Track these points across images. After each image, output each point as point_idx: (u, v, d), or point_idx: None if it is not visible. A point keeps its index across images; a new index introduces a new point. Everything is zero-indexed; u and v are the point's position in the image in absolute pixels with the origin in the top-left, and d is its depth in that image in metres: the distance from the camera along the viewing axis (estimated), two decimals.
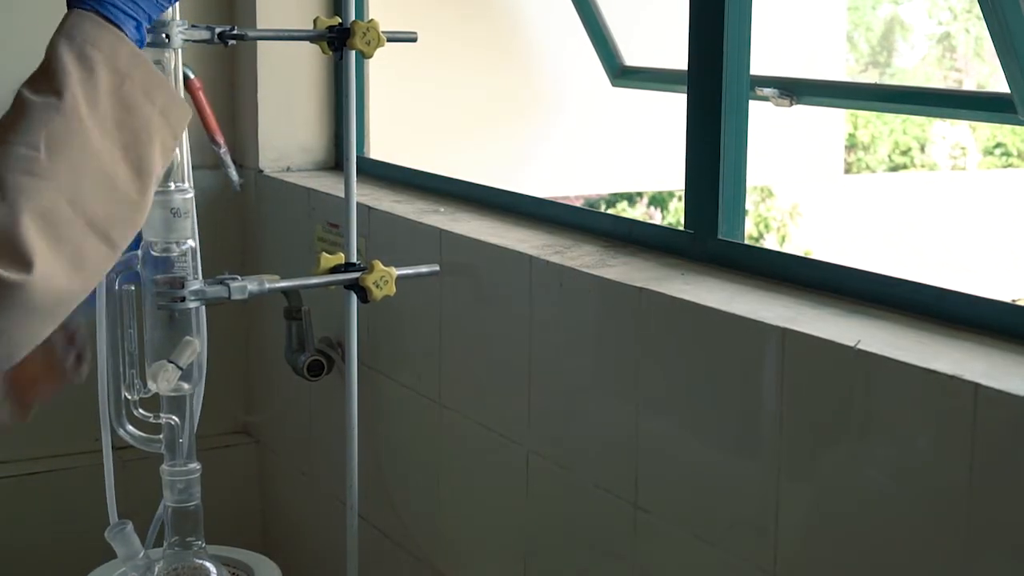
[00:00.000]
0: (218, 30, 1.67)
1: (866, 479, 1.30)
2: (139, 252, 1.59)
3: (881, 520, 1.30)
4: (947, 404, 1.22)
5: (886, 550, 1.29)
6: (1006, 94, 1.79)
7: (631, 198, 9.63)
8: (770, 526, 1.42)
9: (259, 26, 2.53)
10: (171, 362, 1.57)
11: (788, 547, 1.41)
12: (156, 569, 1.62)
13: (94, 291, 1.47)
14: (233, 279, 1.68)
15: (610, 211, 3.44)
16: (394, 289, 1.84)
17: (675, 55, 1.89)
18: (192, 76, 2.46)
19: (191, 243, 1.61)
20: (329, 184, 2.43)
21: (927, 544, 1.25)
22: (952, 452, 1.22)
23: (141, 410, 1.61)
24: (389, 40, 1.81)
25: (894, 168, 11.66)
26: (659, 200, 9.77)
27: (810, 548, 1.38)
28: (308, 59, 2.60)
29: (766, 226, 9.98)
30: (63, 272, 1.12)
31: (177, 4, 1.56)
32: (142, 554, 1.60)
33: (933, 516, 1.24)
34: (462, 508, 2.01)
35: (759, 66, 1.74)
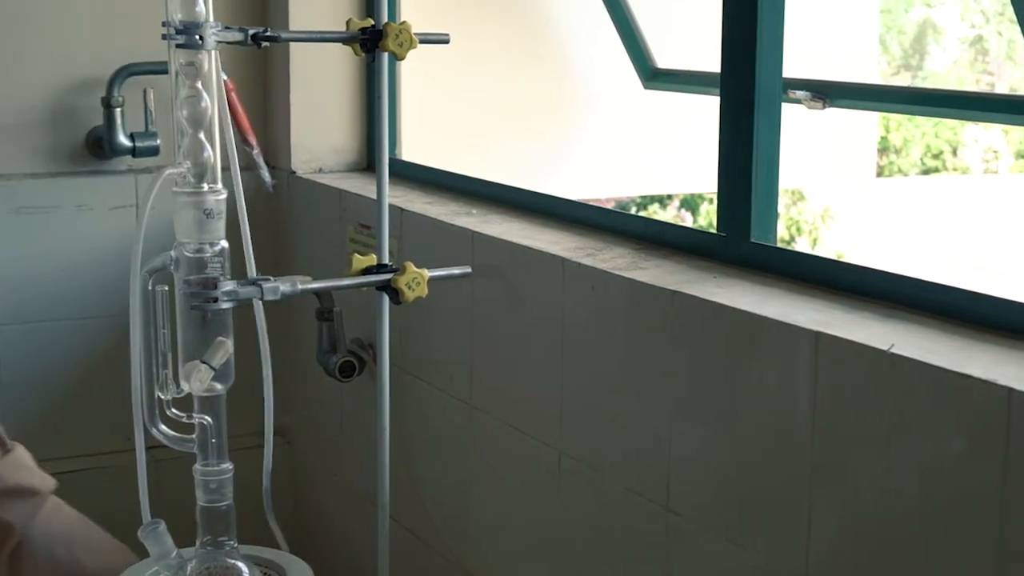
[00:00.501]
0: (251, 32, 1.68)
1: (899, 484, 1.30)
2: (172, 253, 1.60)
3: (913, 525, 1.29)
4: (981, 409, 1.21)
5: (918, 555, 1.29)
6: None
7: (662, 201, 9.61)
8: (802, 530, 1.42)
9: (292, 28, 2.54)
10: (204, 362, 1.58)
11: (820, 551, 1.40)
12: (188, 568, 1.62)
13: None
14: (265, 280, 1.68)
15: (641, 214, 3.44)
16: (426, 291, 1.85)
17: (707, 57, 1.89)
18: (225, 77, 2.47)
19: (224, 243, 1.61)
20: (361, 185, 2.44)
21: (960, 549, 1.24)
22: (986, 457, 1.21)
23: (174, 410, 1.62)
24: (421, 42, 1.81)
25: (926, 171, 11.61)
26: (690, 203, 9.76)
27: (842, 553, 1.38)
28: (340, 61, 2.61)
29: (797, 229, 9.95)
30: None
31: (211, 5, 1.58)
32: (175, 553, 1.61)
33: (966, 521, 1.24)
34: (493, 510, 2.01)
35: (791, 69, 1.74)
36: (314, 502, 2.67)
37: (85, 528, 1.93)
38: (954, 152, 11.80)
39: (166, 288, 1.61)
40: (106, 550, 1.91)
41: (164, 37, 1.57)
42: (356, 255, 1.86)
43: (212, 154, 1.58)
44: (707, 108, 1.97)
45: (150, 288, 1.59)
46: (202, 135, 1.57)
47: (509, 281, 1.91)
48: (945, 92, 2.19)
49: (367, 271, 1.85)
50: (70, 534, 1.89)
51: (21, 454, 1.91)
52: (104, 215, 2.53)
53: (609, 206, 2.80)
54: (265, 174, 2.58)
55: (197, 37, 1.56)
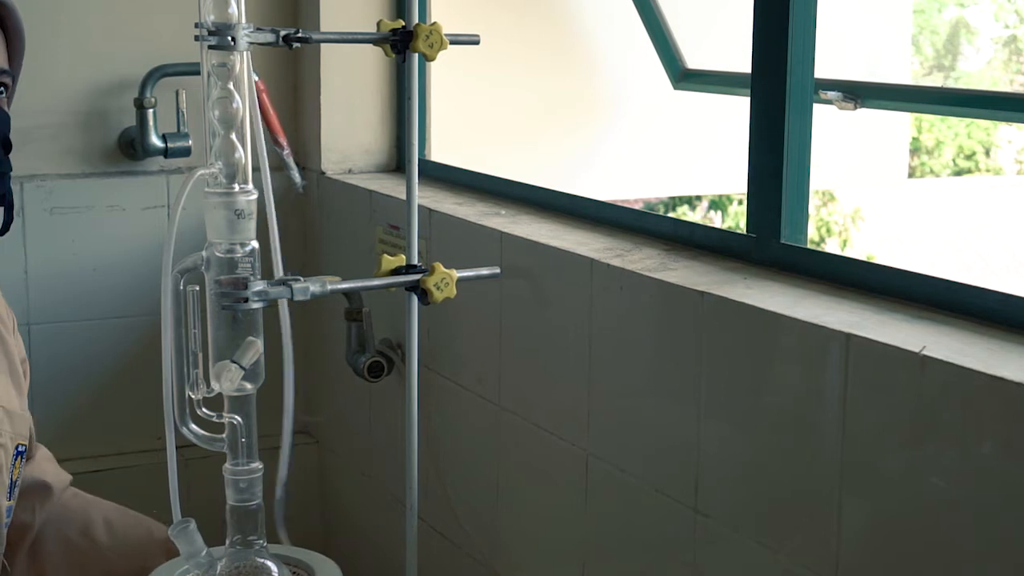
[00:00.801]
0: (283, 33, 1.68)
1: (930, 486, 1.29)
2: (203, 253, 1.61)
3: (945, 528, 1.28)
4: (1014, 411, 1.20)
5: (950, 558, 1.28)
6: None
7: (690, 202, 9.59)
8: (832, 532, 1.41)
9: (323, 29, 2.54)
10: (234, 362, 1.59)
11: (850, 553, 1.40)
12: (218, 567, 1.63)
13: None
14: (295, 280, 1.69)
15: (670, 215, 3.43)
16: (455, 291, 1.85)
17: (738, 58, 1.88)
18: (256, 78, 2.48)
19: (255, 244, 1.62)
20: (390, 186, 2.44)
21: (992, 553, 1.24)
22: (1019, 459, 1.20)
23: (205, 409, 1.62)
24: (452, 43, 1.81)
25: (958, 172, 11.54)
26: (718, 204, 9.74)
27: (872, 555, 1.37)
28: (371, 61, 2.61)
29: (827, 230, 9.92)
30: None
31: (243, 6, 1.58)
32: (204, 552, 1.62)
33: (999, 524, 1.23)
34: (521, 510, 2.01)
35: (823, 69, 1.73)
36: (343, 502, 2.68)
37: (103, 508, 1.95)
38: (987, 153, 11.72)
39: (197, 288, 1.61)
40: (126, 524, 1.93)
41: (196, 38, 1.58)
42: (385, 255, 1.86)
43: (243, 155, 1.59)
44: (737, 109, 1.96)
45: (181, 288, 1.60)
46: (234, 136, 1.58)
47: (538, 282, 1.92)
48: (978, 92, 2.18)
49: (396, 271, 1.85)
50: (86, 517, 1.91)
51: (43, 455, 1.94)
52: (136, 215, 2.55)
53: (637, 207, 2.80)
54: (295, 175, 2.59)
55: (229, 38, 1.56)
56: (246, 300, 1.60)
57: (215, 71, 1.57)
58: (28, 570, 1.84)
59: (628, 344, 1.72)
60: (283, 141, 2.55)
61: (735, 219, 9.44)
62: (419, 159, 1.97)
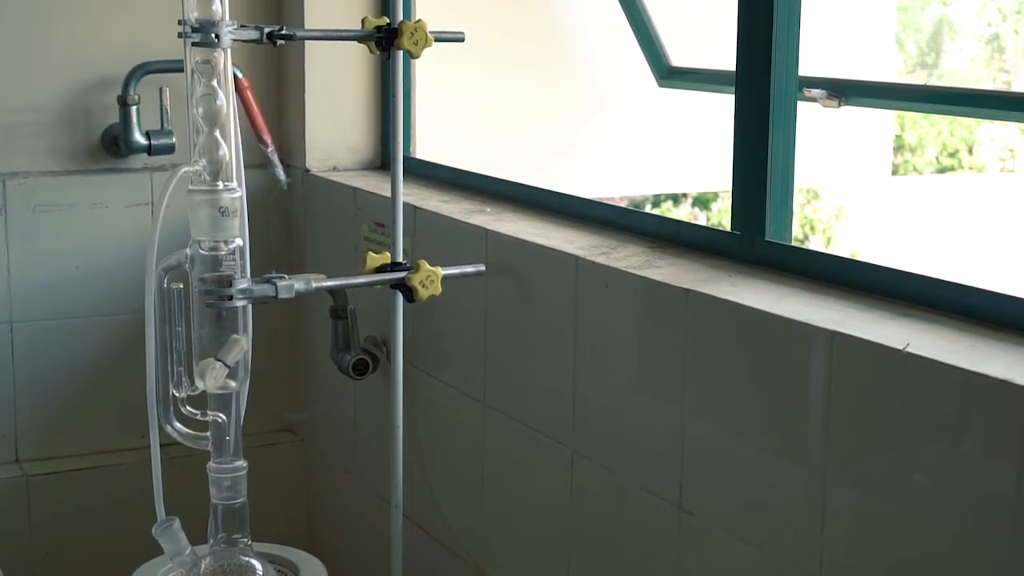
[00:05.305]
0: (267, 30, 1.68)
1: (913, 483, 1.30)
2: (187, 251, 1.61)
3: (928, 524, 1.29)
4: (997, 408, 1.21)
5: (933, 554, 1.28)
6: None
7: (675, 199, 9.60)
8: (816, 530, 1.41)
9: (307, 26, 2.54)
10: (218, 360, 1.58)
11: (834, 551, 1.40)
12: (202, 566, 1.63)
13: None
14: (280, 278, 1.68)
15: (655, 212, 3.43)
16: (440, 289, 1.85)
17: (723, 56, 1.89)
18: (240, 76, 2.48)
19: (239, 242, 1.62)
20: (375, 184, 2.44)
21: (975, 549, 1.24)
22: (1001, 456, 1.20)
23: (189, 407, 1.62)
24: (437, 40, 1.81)
25: (941, 170, 11.57)
26: (702, 201, 9.75)
27: (856, 552, 1.38)
28: (355, 59, 2.61)
29: (811, 228, 9.93)
30: None
31: (227, 3, 1.58)
32: (188, 551, 1.61)
33: (981, 521, 1.23)
34: (506, 508, 2.01)
35: (807, 67, 1.73)
36: (327, 500, 2.68)
37: None
38: (970, 151, 11.76)
39: (181, 286, 1.61)
40: None
41: (180, 35, 1.58)
42: (370, 253, 1.86)
43: (227, 152, 1.58)
44: (722, 106, 1.97)
45: (165, 286, 1.60)
46: (217, 133, 1.58)
47: (523, 279, 1.92)
48: (961, 90, 2.18)
49: (381, 269, 1.85)
50: None
51: None
52: (120, 213, 2.54)
53: (622, 204, 2.80)
54: (280, 172, 2.58)
55: (213, 35, 1.56)
56: (230, 298, 1.60)
57: (199, 68, 1.57)
58: None
59: (613, 342, 1.72)
60: (267, 138, 2.54)
61: (720, 216, 9.45)
62: (404, 156, 1.97)
